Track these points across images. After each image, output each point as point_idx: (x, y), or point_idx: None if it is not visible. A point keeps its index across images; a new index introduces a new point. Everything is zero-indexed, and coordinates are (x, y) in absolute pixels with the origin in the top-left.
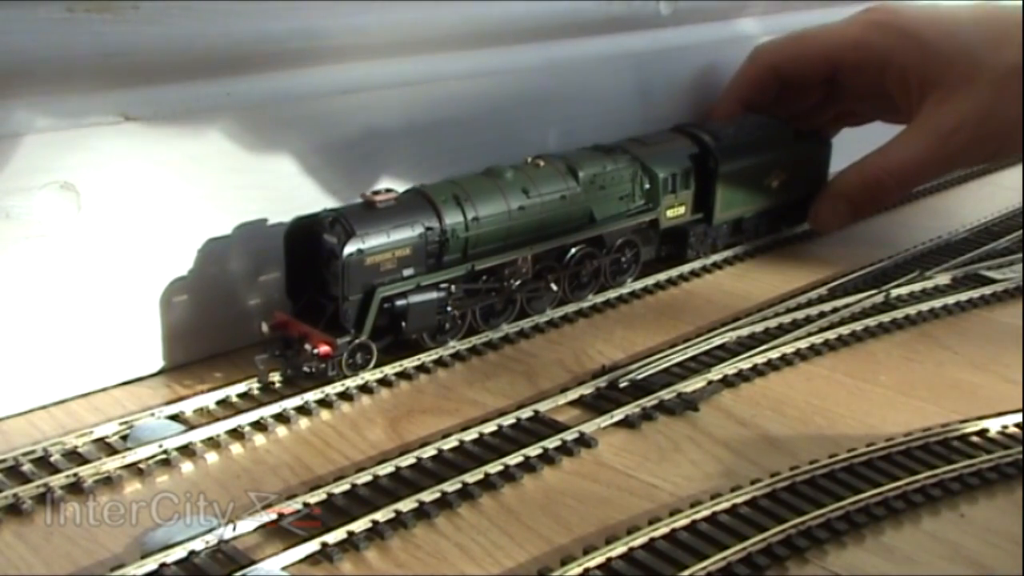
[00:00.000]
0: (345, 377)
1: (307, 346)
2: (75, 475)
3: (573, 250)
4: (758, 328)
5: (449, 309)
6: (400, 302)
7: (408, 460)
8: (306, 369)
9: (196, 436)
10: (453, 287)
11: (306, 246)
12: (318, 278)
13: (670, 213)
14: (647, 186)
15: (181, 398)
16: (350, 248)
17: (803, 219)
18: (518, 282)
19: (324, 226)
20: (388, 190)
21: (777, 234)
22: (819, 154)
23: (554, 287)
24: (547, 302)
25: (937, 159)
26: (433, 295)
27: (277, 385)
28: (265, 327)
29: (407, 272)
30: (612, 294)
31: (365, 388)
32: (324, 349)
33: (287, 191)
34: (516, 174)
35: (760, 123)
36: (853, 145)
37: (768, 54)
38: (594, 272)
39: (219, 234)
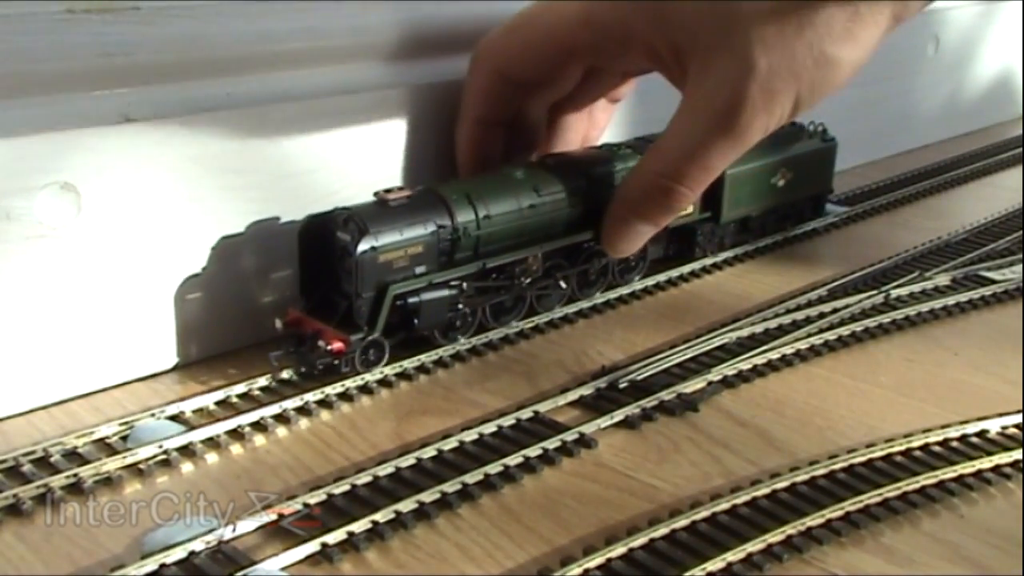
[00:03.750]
0: (358, 373)
1: (320, 343)
2: (75, 475)
3: (582, 248)
4: (758, 329)
5: (460, 306)
6: (412, 299)
7: (408, 460)
8: (319, 365)
9: (196, 436)
10: (464, 284)
11: (319, 243)
12: (331, 275)
13: None
14: None
15: (182, 398)
16: (363, 245)
17: (808, 217)
18: (528, 280)
19: (338, 223)
20: (400, 188)
21: (783, 233)
22: (824, 153)
23: (563, 285)
24: (556, 300)
25: (726, 142)
26: (445, 292)
27: (276, 385)
28: (279, 324)
29: (419, 269)
30: (612, 295)
31: (365, 388)
32: (338, 345)
33: (287, 191)
34: (527, 173)
35: None
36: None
37: (487, 59)
38: (602, 270)
39: (219, 233)
